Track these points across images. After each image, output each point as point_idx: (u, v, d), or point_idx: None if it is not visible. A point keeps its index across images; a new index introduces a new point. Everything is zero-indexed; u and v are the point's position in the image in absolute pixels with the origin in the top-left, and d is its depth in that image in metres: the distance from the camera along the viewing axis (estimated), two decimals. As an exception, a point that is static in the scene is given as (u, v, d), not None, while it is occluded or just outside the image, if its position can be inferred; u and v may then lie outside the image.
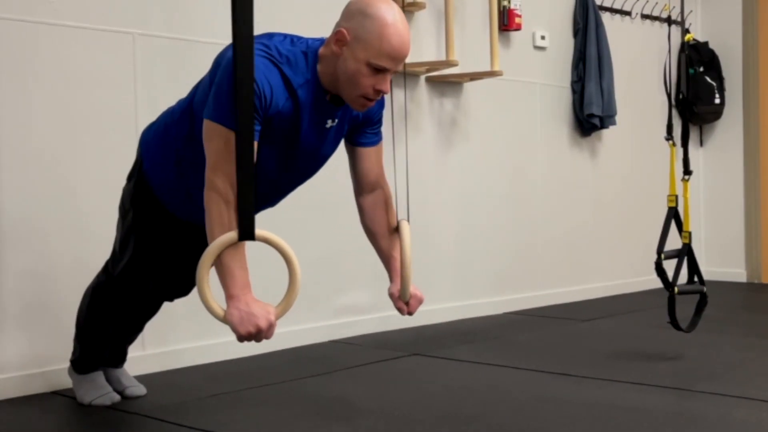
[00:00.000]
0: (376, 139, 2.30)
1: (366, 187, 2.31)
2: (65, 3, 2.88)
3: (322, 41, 2.11)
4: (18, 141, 2.78)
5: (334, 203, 3.48)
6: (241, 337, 1.92)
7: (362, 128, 2.26)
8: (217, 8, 3.32)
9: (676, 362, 3.18)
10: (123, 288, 2.44)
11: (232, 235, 1.89)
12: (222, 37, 3.30)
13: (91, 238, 2.93)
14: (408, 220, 2.27)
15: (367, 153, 2.29)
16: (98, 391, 2.60)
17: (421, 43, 4.08)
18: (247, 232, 1.90)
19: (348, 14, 2.06)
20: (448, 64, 3.92)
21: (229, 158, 1.91)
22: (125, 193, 2.42)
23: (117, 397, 2.62)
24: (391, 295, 2.26)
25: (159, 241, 2.37)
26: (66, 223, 2.88)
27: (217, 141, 1.95)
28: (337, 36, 2.03)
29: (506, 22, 4.41)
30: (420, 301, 2.26)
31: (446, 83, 4.21)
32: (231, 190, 1.93)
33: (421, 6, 3.93)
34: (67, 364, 2.72)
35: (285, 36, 2.11)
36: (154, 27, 3.11)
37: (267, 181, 2.15)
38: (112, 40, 3.00)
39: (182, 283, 2.49)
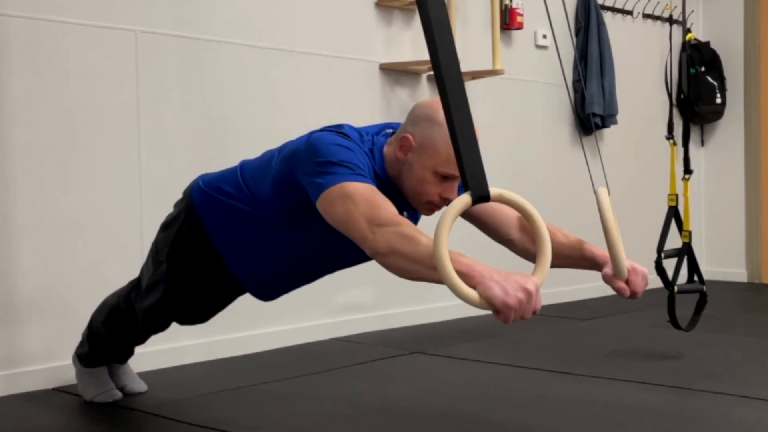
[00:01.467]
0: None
1: (507, 230, 2.18)
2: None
3: (384, 135, 2.03)
4: (26, 139, 2.78)
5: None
6: (510, 310, 1.52)
7: None
8: (220, 5, 3.33)
9: (676, 361, 3.18)
10: (141, 319, 2.42)
11: (466, 198, 1.55)
12: (223, 34, 3.32)
13: (94, 235, 2.94)
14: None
15: (485, 209, 2.15)
16: (101, 387, 2.61)
17: (423, 42, 4.07)
18: (481, 193, 1.57)
19: (414, 119, 1.97)
20: (450, 62, 3.92)
21: (371, 197, 1.74)
22: (161, 242, 2.30)
23: (119, 395, 2.63)
24: (605, 278, 1.98)
25: (189, 292, 2.31)
26: (69, 221, 2.89)
27: (349, 196, 1.75)
28: (402, 142, 1.95)
29: (508, 20, 4.41)
30: (644, 276, 1.97)
31: (448, 82, 4.21)
32: (394, 213, 1.72)
33: (423, 5, 3.93)
34: (69, 360, 2.73)
35: (353, 129, 2.01)
36: (156, 24, 3.12)
37: (334, 259, 2.11)
38: (114, 37, 3.01)
39: (203, 318, 2.46)
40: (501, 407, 2.56)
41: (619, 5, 5.19)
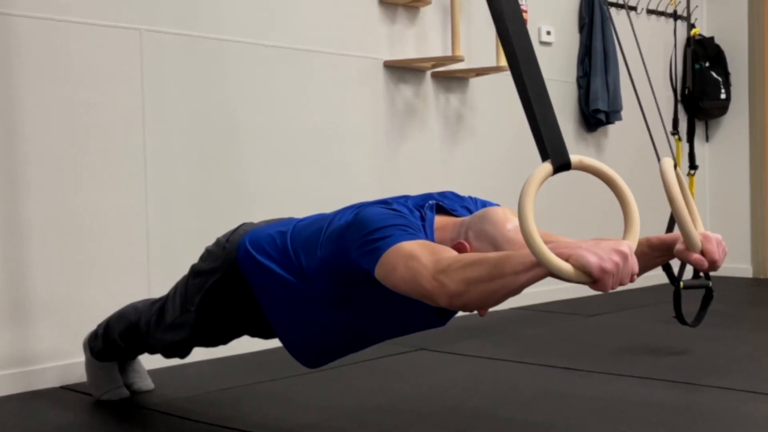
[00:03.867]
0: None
1: None
2: (72, -1, 2.89)
3: (429, 207, 1.95)
4: (32, 138, 2.79)
5: (344, 201, 3.48)
6: (608, 276, 1.41)
7: None
8: (224, 4, 3.33)
9: (682, 357, 3.18)
10: (158, 347, 2.40)
11: (547, 167, 1.50)
12: (228, 32, 3.32)
13: (103, 232, 2.95)
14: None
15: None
16: (110, 384, 2.61)
17: (427, 39, 4.08)
18: (562, 161, 1.52)
19: (477, 232, 1.85)
20: (454, 59, 3.93)
21: (430, 247, 1.65)
22: (192, 289, 2.20)
23: (126, 393, 2.63)
24: (678, 254, 1.83)
25: (214, 335, 2.30)
26: (78, 218, 2.89)
27: (408, 255, 1.64)
28: (458, 247, 1.82)
29: (512, 17, 4.40)
30: (719, 242, 1.81)
31: (452, 79, 4.21)
32: (453, 253, 1.64)
33: (427, 2, 3.94)
34: (78, 358, 2.74)
35: (400, 204, 1.93)
36: (161, 23, 3.12)
37: (390, 328, 2.05)
38: (119, 35, 3.01)
39: (224, 343, 2.43)
40: (507, 404, 2.56)
41: (622, 1, 5.18)
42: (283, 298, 2.05)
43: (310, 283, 1.95)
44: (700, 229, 1.81)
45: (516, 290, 1.50)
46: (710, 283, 3.25)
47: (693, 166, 3.29)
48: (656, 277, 4.79)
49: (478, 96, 4.37)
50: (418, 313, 1.88)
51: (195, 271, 2.23)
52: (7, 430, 2.42)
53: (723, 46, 5.70)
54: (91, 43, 2.94)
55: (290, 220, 2.18)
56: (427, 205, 1.97)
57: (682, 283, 3.14)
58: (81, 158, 2.92)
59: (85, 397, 2.67)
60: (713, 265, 1.81)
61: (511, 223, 1.82)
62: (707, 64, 5.62)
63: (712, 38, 5.71)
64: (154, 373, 2.83)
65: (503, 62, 4.10)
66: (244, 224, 2.24)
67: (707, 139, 5.87)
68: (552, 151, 1.50)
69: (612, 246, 1.43)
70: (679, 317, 3.18)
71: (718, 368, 2.97)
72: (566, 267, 1.41)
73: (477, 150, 4.37)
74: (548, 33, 4.73)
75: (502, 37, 1.53)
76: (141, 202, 3.06)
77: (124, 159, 3.03)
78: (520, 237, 1.73)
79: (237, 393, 2.70)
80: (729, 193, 5.82)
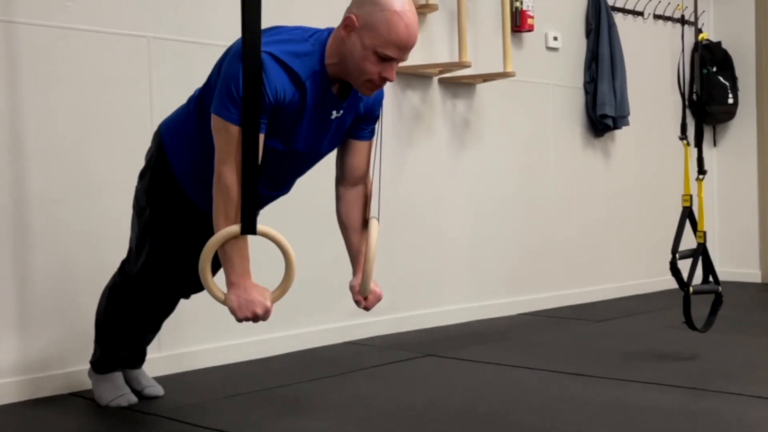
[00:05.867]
0: (369, 135, 2.33)
1: (351, 180, 2.34)
2: (81, 7, 2.90)
3: (330, 31, 2.16)
4: (39, 144, 2.80)
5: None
6: (239, 320, 2.09)
7: (360, 123, 2.29)
8: (230, 12, 3.33)
9: (691, 362, 3.17)
10: (140, 287, 2.45)
11: (235, 228, 2.04)
12: (235, 39, 3.32)
13: (110, 238, 2.95)
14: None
15: (360, 147, 2.32)
16: (116, 392, 2.61)
17: (434, 45, 4.08)
18: (249, 227, 2.06)
19: (359, 2, 2.09)
20: (461, 65, 3.93)
21: (234, 152, 2.03)
22: (139, 191, 2.43)
23: (134, 399, 2.63)
24: (351, 288, 2.32)
25: (176, 237, 2.39)
26: (84, 225, 2.90)
27: (223, 135, 2.04)
28: (346, 22, 2.07)
29: (519, 23, 4.41)
30: (378, 298, 2.31)
31: (459, 84, 4.22)
32: (237, 183, 2.03)
33: (434, 8, 3.94)
34: (85, 365, 2.75)
35: (293, 28, 2.18)
36: (168, 30, 3.13)
37: (269, 170, 2.19)
38: (127, 43, 3.02)
39: (198, 278, 2.48)
40: (515, 409, 2.55)
41: (629, 6, 5.18)
42: (186, 142, 2.30)
43: (204, 115, 2.19)
44: (372, 279, 2.27)
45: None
46: (720, 288, 3.24)
47: (701, 170, 3.28)
48: (665, 282, 4.79)
49: (485, 102, 4.37)
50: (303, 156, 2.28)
51: (139, 176, 2.45)
52: (16, 436, 2.43)
53: (730, 51, 5.69)
54: (100, 50, 2.95)
55: None
56: (330, 30, 2.20)
57: (691, 288, 3.13)
58: (89, 165, 2.92)
59: (93, 404, 2.67)
60: (366, 309, 2.33)
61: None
62: (715, 69, 5.62)
63: (719, 43, 5.70)
64: (162, 380, 2.83)
65: (510, 68, 4.10)
66: None
67: (715, 143, 5.86)
68: (244, 219, 2.05)
69: (252, 305, 2.06)
70: (689, 322, 3.17)
71: (727, 373, 2.96)
72: (220, 298, 2.11)
73: (484, 156, 4.36)
74: (555, 39, 4.73)
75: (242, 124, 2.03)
76: (149, 209, 3.07)
77: (132, 165, 3.03)
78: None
79: (244, 399, 2.70)
80: (737, 197, 5.81)
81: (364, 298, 2.29)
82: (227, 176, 2.04)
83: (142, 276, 2.43)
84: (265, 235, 2.10)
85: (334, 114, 2.18)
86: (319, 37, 2.15)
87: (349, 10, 2.11)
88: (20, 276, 2.77)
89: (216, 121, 2.06)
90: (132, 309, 2.51)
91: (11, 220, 2.75)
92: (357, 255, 2.35)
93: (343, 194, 2.36)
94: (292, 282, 2.14)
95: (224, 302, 2.10)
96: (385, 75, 2.08)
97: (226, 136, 2.04)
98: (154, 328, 2.65)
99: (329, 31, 2.16)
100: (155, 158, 2.39)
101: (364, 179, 2.36)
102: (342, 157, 2.35)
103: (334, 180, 2.38)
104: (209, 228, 2.30)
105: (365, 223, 2.35)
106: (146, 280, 2.43)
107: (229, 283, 2.07)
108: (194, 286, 2.49)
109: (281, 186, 2.37)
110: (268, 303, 2.07)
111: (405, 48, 2.06)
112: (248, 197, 2.04)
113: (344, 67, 2.10)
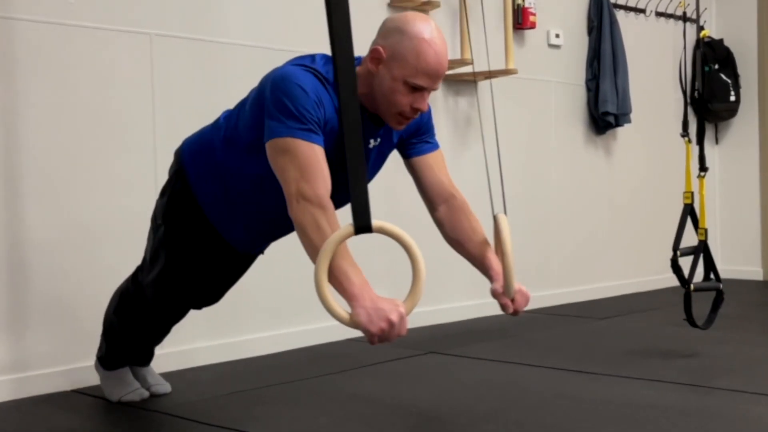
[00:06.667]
0: (430, 146, 2.24)
1: (437, 198, 2.25)
2: (83, 3, 2.90)
3: (358, 60, 2.08)
4: (40, 141, 2.80)
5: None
6: (373, 336, 1.78)
7: (412, 140, 2.22)
8: (234, 8, 3.34)
9: (692, 359, 3.17)
10: (151, 298, 2.42)
11: (348, 229, 1.76)
12: (237, 36, 3.33)
13: (111, 236, 2.96)
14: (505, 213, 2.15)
15: (426, 163, 2.23)
16: (126, 387, 2.62)
17: (436, 42, 4.08)
18: (363, 224, 1.77)
19: (384, 32, 2.03)
20: (463, 62, 3.93)
21: (309, 165, 1.87)
22: (158, 207, 2.37)
23: (145, 394, 2.63)
24: (494, 293, 2.15)
25: (191, 257, 2.32)
26: (85, 223, 2.91)
27: (292, 154, 1.89)
28: (373, 54, 2.01)
29: (521, 20, 4.41)
30: (527, 298, 2.15)
31: (461, 82, 4.22)
32: (323, 194, 1.87)
33: (436, 5, 3.94)
34: (89, 362, 2.75)
35: (326, 57, 2.07)
36: (171, 27, 3.13)
37: None
38: (129, 40, 3.02)
39: (212, 294, 2.47)
40: (517, 406, 2.56)
41: (631, 3, 5.18)
42: (212, 173, 2.18)
43: (236, 138, 2.11)
44: (515, 277, 2.12)
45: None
46: (721, 286, 3.25)
47: (703, 168, 3.28)
48: (666, 279, 4.79)
49: (487, 99, 4.37)
50: None
51: (160, 192, 2.38)
52: (20, 433, 2.44)
53: (732, 48, 5.69)
54: (102, 47, 2.95)
55: None
56: (358, 60, 2.10)
57: (692, 286, 3.13)
58: (91, 162, 2.93)
59: (96, 401, 2.68)
60: (515, 313, 2.17)
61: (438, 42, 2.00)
62: (716, 67, 5.62)
63: (721, 40, 5.70)
64: (164, 377, 2.83)
65: (512, 65, 4.11)
66: None
67: (717, 141, 5.86)
68: (357, 216, 1.76)
69: (386, 313, 1.77)
70: (690, 320, 3.17)
71: (728, 371, 2.96)
72: (344, 317, 1.79)
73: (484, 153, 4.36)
74: (557, 36, 4.73)
75: (340, 112, 1.76)
76: (150, 206, 3.06)
77: (133, 162, 3.05)
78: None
79: (248, 396, 2.71)
80: (739, 195, 5.81)
81: (510, 300, 2.13)
82: (310, 191, 1.86)
83: (153, 288, 2.40)
84: (382, 230, 1.79)
85: (372, 143, 2.12)
86: None
87: (374, 42, 2.05)
88: (22, 273, 2.77)
89: (279, 144, 1.91)
90: (141, 317, 2.50)
91: (7, 218, 2.75)
92: (485, 261, 2.20)
93: (442, 219, 2.26)
94: (423, 286, 1.83)
95: (350, 322, 1.79)
96: (417, 106, 2.01)
97: (295, 154, 1.88)
98: (162, 333, 2.64)
99: (357, 60, 2.08)
100: (175, 179, 2.32)
101: (451, 190, 2.26)
102: (419, 181, 2.26)
103: (428, 211, 2.28)
104: (225, 250, 2.29)
105: (476, 230, 2.23)
106: (157, 293, 2.41)
107: (351, 297, 1.79)
108: (207, 300, 2.49)
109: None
110: (402, 309, 1.79)
111: (436, 76, 1.99)
112: (358, 192, 1.76)
113: (373, 100, 2.04)
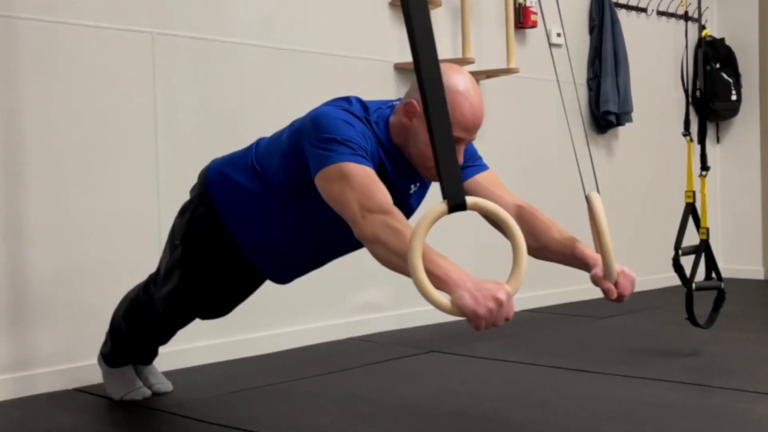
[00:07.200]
0: (478, 168, 2.20)
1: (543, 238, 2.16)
2: (85, 2, 2.90)
3: (390, 107, 2.06)
4: (41, 140, 2.80)
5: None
6: (481, 319, 1.60)
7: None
8: (236, 7, 3.34)
9: (694, 358, 3.17)
10: (161, 311, 2.43)
11: (441, 207, 1.59)
12: (239, 35, 3.33)
13: (112, 236, 2.96)
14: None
15: (478, 183, 2.16)
16: (129, 386, 2.62)
17: (438, 41, 4.06)
18: (458, 202, 1.59)
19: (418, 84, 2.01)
20: (464, 61, 3.93)
21: (366, 182, 1.81)
22: (178, 226, 2.34)
23: (148, 393, 2.64)
24: (594, 279, 2.00)
25: (207, 279, 2.32)
26: (87, 221, 2.91)
27: (346, 178, 1.82)
28: (407, 107, 1.98)
29: (522, 19, 4.41)
30: (631, 280, 1.99)
31: (462, 81, 4.21)
32: (386, 202, 1.79)
33: (437, 4, 3.94)
34: (91, 361, 2.75)
35: (361, 100, 2.05)
36: (173, 26, 3.13)
37: (339, 237, 2.10)
38: (131, 39, 3.02)
39: (223, 310, 2.48)
40: (519, 405, 2.56)
41: (633, 3, 5.17)
42: (246, 206, 2.16)
43: (270, 182, 2.09)
44: (614, 259, 1.95)
45: (407, 275, 1.63)
46: (722, 285, 3.25)
47: (704, 167, 3.28)
48: (668, 278, 4.78)
49: (488, 98, 4.36)
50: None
51: (179, 211, 2.36)
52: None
53: (734, 48, 5.68)
54: (104, 46, 2.95)
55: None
56: (390, 104, 2.08)
57: (694, 285, 3.14)
58: (93, 161, 2.93)
59: (98, 400, 2.68)
60: (621, 298, 1.99)
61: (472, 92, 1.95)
62: (718, 66, 5.61)
63: (722, 39, 5.69)
64: (167, 375, 2.83)
65: (513, 64, 4.11)
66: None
67: (718, 140, 5.86)
68: (449, 191, 1.59)
69: (492, 292, 1.59)
70: (691, 319, 3.17)
71: (730, 370, 2.96)
72: (444, 303, 1.60)
73: (487, 152, 4.35)
74: (558, 35, 4.72)
75: (419, 84, 1.61)
76: (153, 204, 3.08)
77: (136, 161, 3.05)
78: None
79: (250, 395, 2.71)
80: (740, 194, 5.80)
81: (614, 284, 1.97)
82: (373, 203, 1.77)
83: (165, 303, 2.40)
84: (476, 207, 1.64)
85: (413, 188, 2.10)
86: (381, 114, 2.05)
87: (408, 95, 2.01)
88: (23, 272, 2.77)
89: (329, 173, 1.84)
90: (150, 324, 2.52)
91: (7, 218, 2.75)
92: (575, 250, 2.09)
93: (552, 249, 2.16)
94: (525, 262, 1.66)
95: (452, 308, 1.61)
96: None
97: (349, 177, 1.82)
98: (169, 336, 2.64)
99: (390, 106, 2.06)
100: (198, 203, 2.28)
101: (517, 202, 2.18)
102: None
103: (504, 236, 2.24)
104: (247, 271, 2.28)
105: (553, 228, 2.14)
106: (168, 307, 2.41)
107: (450, 283, 1.62)
108: (217, 314, 2.49)
109: (328, 254, 2.28)
110: (508, 288, 1.62)
111: (473, 128, 1.97)
112: (449, 169, 1.59)
113: (407, 152, 2.01)
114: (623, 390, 2.70)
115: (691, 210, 3.26)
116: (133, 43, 3.03)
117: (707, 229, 3.25)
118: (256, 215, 2.17)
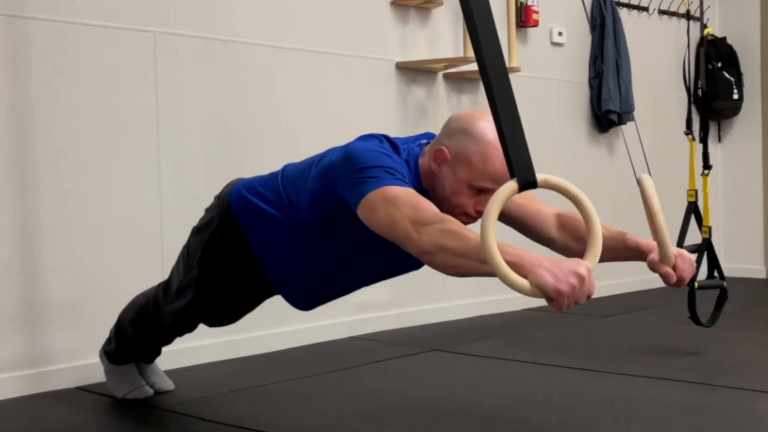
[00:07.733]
0: None
1: (545, 228, 2.13)
2: (86, 1, 2.90)
3: (419, 145, 2.04)
4: (47, 141, 2.80)
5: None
6: (563, 296, 1.52)
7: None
8: (238, 6, 3.34)
9: (696, 357, 3.17)
10: (170, 323, 2.43)
11: (512, 186, 1.55)
12: (241, 34, 3.33)
13: (115, 235, 2.96)
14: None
15: (514, 203, 2.09)
16: (132, 384, 2.62)
17: (439, 40, 4.08)
18: (528, 180, 1.56)
19: (448, 132, 1.98)
20: (466, 60, 3.93)
21: (413, 199, 1.76)
22: (193, 246, 2.28)
23: (150, 392, 2.64)
24: (651, 264, 1.95)
25: (220, 297, 2.30)
26: (90, 221, 2.91)
27: (392, 200, 1.77)
28: (437, 154, 1.96)
29: (523, 18, 4.41)
30: (690, 262, 1.92)
31: (464, 80, 4.21)
32: (437, 210, 1.75)
33: (439, 3, 3.94)
34: (94, 359, 2.75)
35: (389, 140, 2.01)
36: (175, 25, 3.13)
37: (371, 270, 2.11)
38: (133, 38, 3.02)
39: (232, 321, 2.46)
40: (521, 404, 2.55)
41: (634, 2, 5.17)
42: (272, 238, 2.12)
43: (299, 218, 2.04)
44: (670, 242, 1.87)
45: (478, 275, 1.61)
46: (725, 284, 3.25)
47: (707, 166, 3.28)
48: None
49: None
50: (397, 254, 1.90)
51: (195, 229, 2.30)
52: (23, 430, 2.44)
53: (735, 47, 5.68)
54: (106, 45, 2.95)
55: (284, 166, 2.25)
56: (418, 143, 2.06)
57: (696, 284, 3.13)
58: (95, 160, 2.93)
59: (101, 398, 2.68)
60: (680, 281, 1.92)
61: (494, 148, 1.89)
62: (719, 65, 5.61)
63: (724, 38, 5.69)
64: (169, 374, 2.83)
65: (515, 63, 4.10)
66: (238, 178, 2.32)
67: (720, 139, 5.86)
68: (519, 170, 1.56)
69: (572, 268, 1.51)
70: (694, 317, 3.17)
71: (732, 368, 2.96)
72: (523, 284, 1.52)
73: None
74: (560, 34, 4.72)
75: (479, 64, 1.59)
76: (155, 203, 3.08)
77: (138, 160, 3.05)
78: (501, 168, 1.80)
79: (251, 393, 2.71)
80: (742, 193, 5.80)
81: (672, 268, 1.91)
82: (425, 215, 1.72)
83: (174, 317, 2.40)
84: (547, 184, 1.59)
85: None
86: (411, 152, 2.02)
87: (438, 141, 1.99)
88: (28, 271, 2.77)
89: (373, 199, 1.78)
90: (156, 332, 2.52)
91: (19, 213, 2.76)
92: (626, 242, 2.07)
93: (562, 238, 2.13)
94: (600, 238, 1.60)
95: (531, 289, 1.52)
96: (481, 208, 1.91)
97: (395, 199, 1.76)
98: (172, 340, 2.64)
99: (419, 145, 2.04)
100: (217, 226, 2.22)
101: (555, 210, 2.14)
102: (518, 223, 2.13)
103: (552, 250, 2.16)
104: (264, 287, 2.27)
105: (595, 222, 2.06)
106: (178, 322, 2.42)
107: (525, 265, 1.54)
108: (225, 323, 2.47)
109: (356, 287, 2.25)
110: (588, 263, 1.56)
111: (502, 179, 1.86)
112: (518, 147, 1.58)
113: (435, 195, 1.97)
114: (625, 388, 2.69)
115: (693, 209, 3.26)
116: (135, 42, 3.03)
117: (709, 228, 3.25)
118: (289, 246, 2.11)
